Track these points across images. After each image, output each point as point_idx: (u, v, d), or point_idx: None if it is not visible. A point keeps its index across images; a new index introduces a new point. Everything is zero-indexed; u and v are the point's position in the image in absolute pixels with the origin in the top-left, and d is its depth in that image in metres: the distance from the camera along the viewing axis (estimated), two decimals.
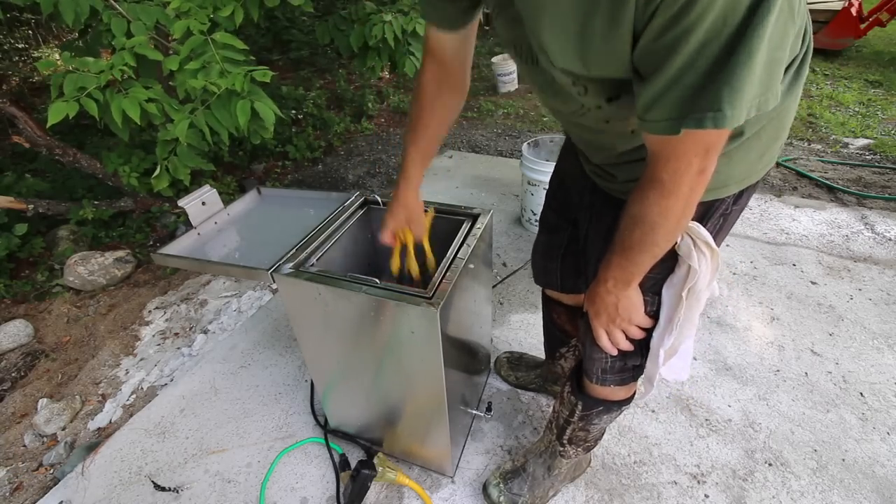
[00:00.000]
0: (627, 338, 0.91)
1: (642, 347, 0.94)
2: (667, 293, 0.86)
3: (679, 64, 0.54)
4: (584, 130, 0.86)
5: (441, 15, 0.89)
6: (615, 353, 0.93)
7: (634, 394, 1.11)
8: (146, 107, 1.75)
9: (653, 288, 0.87)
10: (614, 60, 0.61)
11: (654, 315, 0.90)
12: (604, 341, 0.91)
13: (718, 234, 0.84)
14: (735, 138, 0.71)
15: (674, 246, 0.80)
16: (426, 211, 1.17)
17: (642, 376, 1.00)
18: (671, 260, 0.82)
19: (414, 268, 1.17)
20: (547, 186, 2.22)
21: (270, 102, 1.84)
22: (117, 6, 1.81)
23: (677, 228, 0.71)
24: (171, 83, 1.90)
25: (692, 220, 0.77)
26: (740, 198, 0.81)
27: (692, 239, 0.79)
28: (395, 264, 1.18)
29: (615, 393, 1.05)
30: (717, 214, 0.81)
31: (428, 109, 1.02)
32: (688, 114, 0.55)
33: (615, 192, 0.90)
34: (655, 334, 0.91)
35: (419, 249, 1.18)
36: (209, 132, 1.84)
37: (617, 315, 0.86)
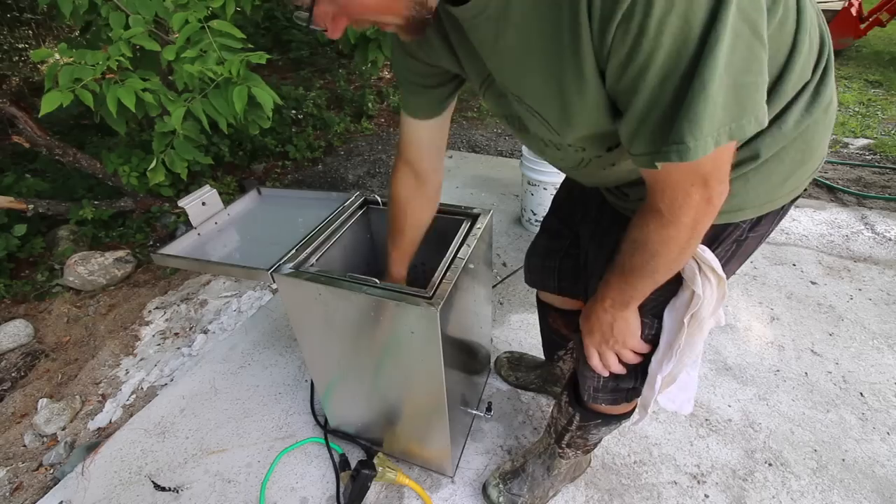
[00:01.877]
0: (620, 361, 0.89)
1: (637, 371, 0.91)
2: (668, 317, 0.83)
3: (644, 101, 0.54)
4: (589, 176, 0.84)
5: (420, 103, 0.91)
6: (606, 374, 0.91)
7: (635, 407, 1.08)
8: (142, 96, 1.74)
9: (653, 310, 0.84)
10: (597, 114, 0.61)
11: (654, 339, 0.86)
12: (594, 361, 0.89)
13: (730, 262, 0.79)
14: (751, 161, 0.67)
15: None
16: None
17: (639, 400, 0.97)
18: (675, 283, 0.79)
19: None
20: (547, 187, 2.24)
21: (269, 88, 1.82)
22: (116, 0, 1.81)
23: (680, 258, 0.69)
24: (170, 78, 1.90)
25: (700, 243, 0.73)
26: (758, 224, 0.75)
27: (698, 263, 0.75)
28: None
29: (612, 409, 1.04)
30: (728, 240, 0.76)
31: (401, 216, 1.08)
32: (659, 148, 0.55)
33: (626, 210, 0.86)
34: (654, 359, 0.87)
35: None
36: (206, 121, 1.82)
37: (611, 336, 0.84)
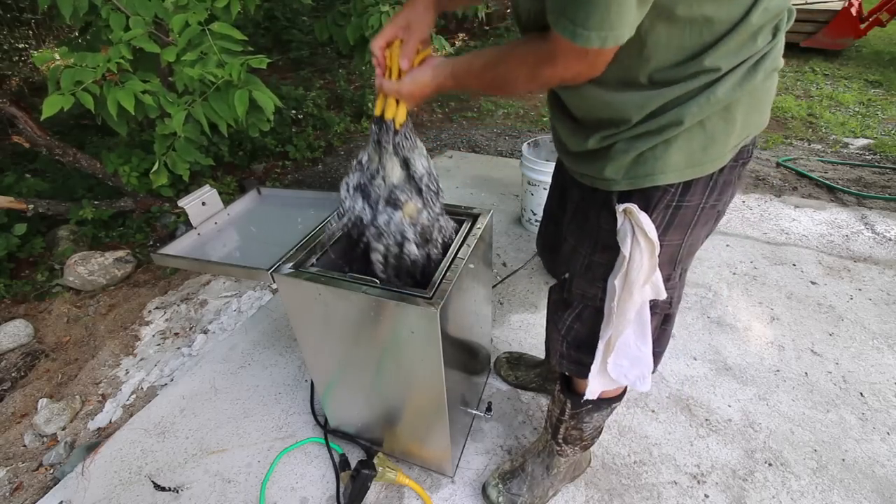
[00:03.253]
0: (575, 342, 0.97)
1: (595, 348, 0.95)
2: (609, 282, 0.87)
3: None
4: None
5: None
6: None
7: (624, 392, 1.11)
8: (142, 98, 1.74)
9: (604, 274, 0.88)
10: None
11: (602, 304, 0.90)
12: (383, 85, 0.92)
13: (668, 230, 0.81)
14: (674, 126, 0.70)
15: (615, 232, 0.81)
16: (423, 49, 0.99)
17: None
18: (618, 249, 0.82)
19: (391, 108, 0.99)
20: (546, 187, 2.24)
21: (269, 92, 1.83)
22: (115, 1, 1.80)
23: (526, 87, 0.74)
24: (170, 79, 1.89)
25: (637, 206, 0.77)
26: (688, 192, 0.78)
27: (632, 226, 0.78)
28: (378, 106, 1.00)
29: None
30: (660, 205, 0.78)
31: None
32: (557, 18, 0.60)
33: (574, 172, 0.89)
34: (602, 325, 0.91)
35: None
36: (207, 123, 1.82)
37: (408, 97, 0.90)
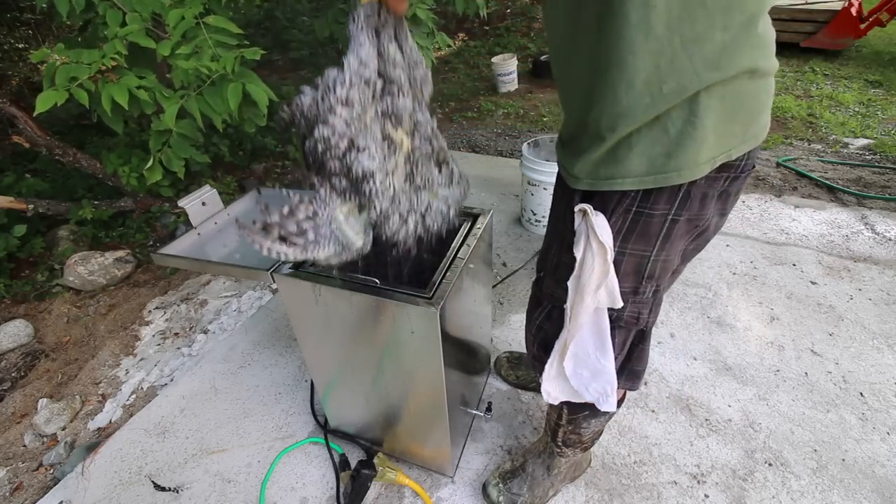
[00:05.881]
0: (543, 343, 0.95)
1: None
2: (567, 283, 0.84)
3: None
4: (557, 49, 0.78)
5: None
6: None
7: (623, 399, 1.11)
8: (136, 93, 1.73)
9: (569, 276, 0.85)
10: None
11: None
12: None
13: (629, 238, 0.77)
14: (626, 117, 0.66)
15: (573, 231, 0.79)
16: None
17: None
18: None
19: None
20: (547, 187, 2.24)
21: (263, 85, 1.81)
22: None
23: None
24: (168, 75, 1.89)
25: (593, 208, 0.74)
26: (650, 200, 0.73)
27: (587, 227, 0.76)
28: None
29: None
30: (619, 210, 0.75)
31: None
32: None
33: (558, 160, 0.87)
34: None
35: None
36: (200, 117, 1.81)
37: None
